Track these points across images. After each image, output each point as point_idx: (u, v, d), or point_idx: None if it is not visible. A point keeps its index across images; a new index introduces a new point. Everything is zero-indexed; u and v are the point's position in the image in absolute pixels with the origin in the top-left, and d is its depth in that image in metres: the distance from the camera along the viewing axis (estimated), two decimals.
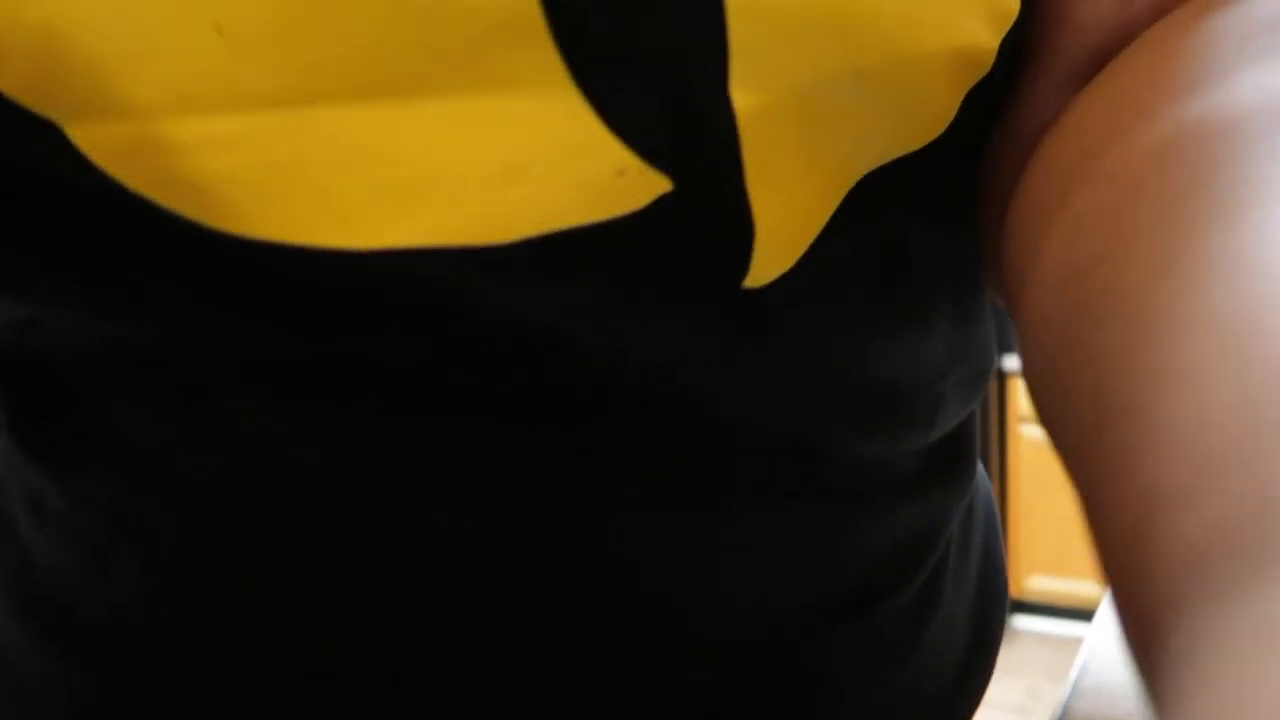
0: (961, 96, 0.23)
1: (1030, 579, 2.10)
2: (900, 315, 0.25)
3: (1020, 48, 0.23)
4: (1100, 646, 0.36)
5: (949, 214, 0.26)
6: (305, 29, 0.18)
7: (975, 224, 0.26)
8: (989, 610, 0.34)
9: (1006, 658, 0.59)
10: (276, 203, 0.19)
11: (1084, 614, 2.05)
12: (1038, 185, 0.21)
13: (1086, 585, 2.05)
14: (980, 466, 0.34)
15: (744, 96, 0.20)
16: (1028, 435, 2.08)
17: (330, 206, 0.20)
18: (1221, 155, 0.15)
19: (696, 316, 0.23)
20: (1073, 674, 0.35)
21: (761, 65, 0.20)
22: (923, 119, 0.23)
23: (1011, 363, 1.91)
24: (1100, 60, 0.22)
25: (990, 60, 0.22)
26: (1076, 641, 1.84)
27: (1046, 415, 0.18)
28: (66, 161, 0.19)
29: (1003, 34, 0.22)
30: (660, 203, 0.20)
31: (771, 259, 0.22)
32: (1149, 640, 0.12)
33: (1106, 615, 0.37)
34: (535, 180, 0.20)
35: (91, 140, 0.19)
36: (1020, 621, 2.15)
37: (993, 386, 1.60)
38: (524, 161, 0.20)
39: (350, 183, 0.19)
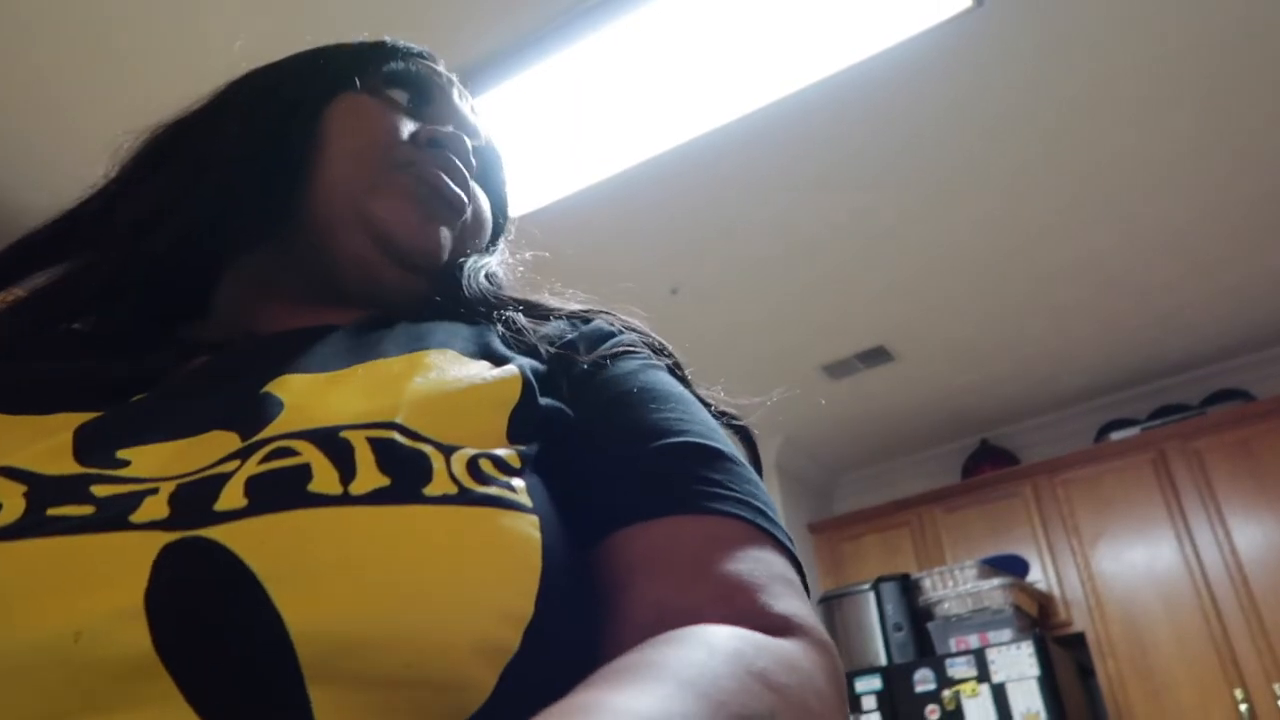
0: (497, 676, 0.34)
1: None
2: None
3: (542, 636, 0.36)
4: None
5: None
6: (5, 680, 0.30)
7: None
8: None
9: None
10: None
11: None
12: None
13: None
14: None
15: (319, 691, 0.31)
16: None
17: None
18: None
19: None
20: None
21: (325, 671, 0.31)
22: (466, 694, 0.33)
23: None
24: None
25: (515, 647, 0.34)
26: None
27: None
28: None
29: (523, 629, 0.35)
30: None
31: None
32: None
33: None
34: None
35: None
36: None
37: None
38: None
39: None
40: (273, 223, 0.55)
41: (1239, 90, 2.46)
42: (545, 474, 0.43)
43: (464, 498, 0.37)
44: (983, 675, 3.31)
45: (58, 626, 0.30)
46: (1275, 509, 3.42)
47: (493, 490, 0.38)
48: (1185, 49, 2.32)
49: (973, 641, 3.46)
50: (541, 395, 0.46)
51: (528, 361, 0.49)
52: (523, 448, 0.42)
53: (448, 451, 0.39)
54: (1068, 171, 2.71)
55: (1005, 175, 2.70)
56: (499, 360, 0.48)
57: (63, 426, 0.41)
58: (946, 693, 3.35)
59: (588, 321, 0.57)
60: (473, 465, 0.39)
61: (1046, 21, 2.21)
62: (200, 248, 0.54)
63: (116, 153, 0.58)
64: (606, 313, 0.59)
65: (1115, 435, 3.86)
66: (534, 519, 0.38)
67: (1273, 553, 3.37)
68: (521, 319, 0.55)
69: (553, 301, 0.60)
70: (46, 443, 0.40)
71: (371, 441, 0.37)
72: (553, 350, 0.51)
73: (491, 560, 0.36)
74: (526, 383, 0.45)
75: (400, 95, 0.60)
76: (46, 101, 2.15)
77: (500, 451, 0.41)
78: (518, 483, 0.40)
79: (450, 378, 0.44)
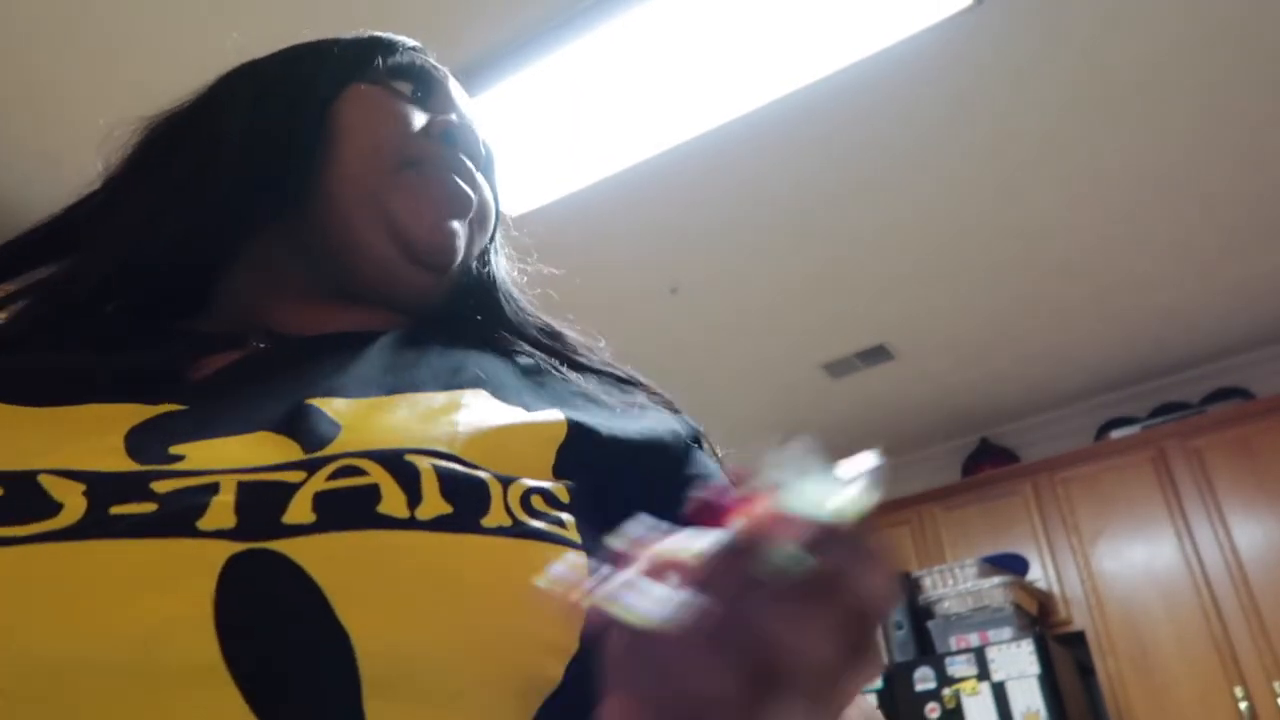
0: (539, 705, 0.35)
1: None
2: None
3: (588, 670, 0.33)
4: None
5: None
6: (68, 695, 0.30)
7: None
8: None
9: None
10: None
11: None
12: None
13: None
14: None
15: (375, 705, 0.32)
16: None
17: None
18: None
19: None
20: None
21: (384, 687, 0.32)
22: None
23: None
24: None
25: (558, 679, 0.35)
26: None
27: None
28: None
29: (566, 663, 0.35)
30: None
31: None
32: None
33: None
34: None
35: None
36: None
37: None
38: None
39: None
40: (280, 217, 0.55)
41: (1237, 88, 2.46)
42: (587, 510, 0.43)
43: (517, 530, 0.38)
44: (983, 674, 3.32)
45: (125, 631, 0.30)
46: (1275, 507, 3.42)
47: (543, 525, 0.39)
48: (1184, 46, 2.32)
49: (973, 640, 3.46)
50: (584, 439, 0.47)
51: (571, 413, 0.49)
52: (569, 483, 0.43)
53: (505, 482, 0.40)
54: (1067, 169, 2.71)
55: (1005, 173, 2.70)
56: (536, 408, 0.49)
57: (99, 420, 0.41)
58: (947, 691, 3.35)
59: (633, 383, 0.56)
60: (526, 498, 0.40)
61: (1045, 20, 2.21)
62: (204, 246, 0.53)
63: (110, 145, 0.57)
64: (647, 387, 0.57)
65: (1115, 433, 3.85)
66: (581, 555, 0.39)
67: (1273, 551, 3.37)
68: (588, 384, 0.54)
69: (583, 351, 0.60)
70: (96, 441, 0.39)
71: (436, 468, 0.38)
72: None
73: (540, 594, 0.36)
74: (571, 424, 0.46)
75: (405, 87, 0.60)
76: (40, 96, 2.14)
77: (549, 485, 0.41)
78: (567, 518, 0.41)
79: (494, 413, 0.45)
